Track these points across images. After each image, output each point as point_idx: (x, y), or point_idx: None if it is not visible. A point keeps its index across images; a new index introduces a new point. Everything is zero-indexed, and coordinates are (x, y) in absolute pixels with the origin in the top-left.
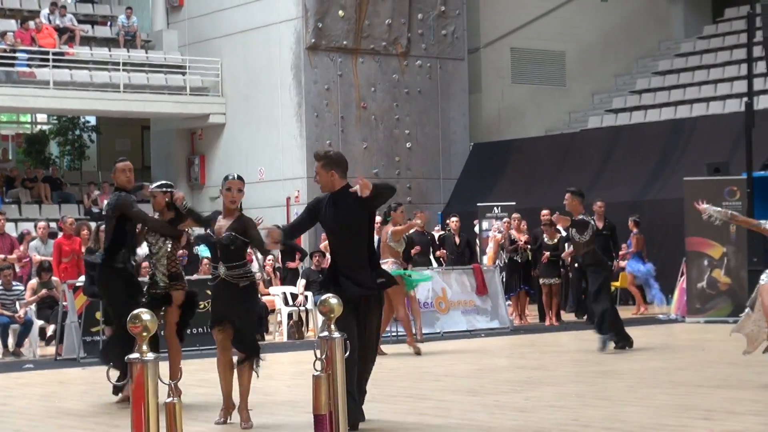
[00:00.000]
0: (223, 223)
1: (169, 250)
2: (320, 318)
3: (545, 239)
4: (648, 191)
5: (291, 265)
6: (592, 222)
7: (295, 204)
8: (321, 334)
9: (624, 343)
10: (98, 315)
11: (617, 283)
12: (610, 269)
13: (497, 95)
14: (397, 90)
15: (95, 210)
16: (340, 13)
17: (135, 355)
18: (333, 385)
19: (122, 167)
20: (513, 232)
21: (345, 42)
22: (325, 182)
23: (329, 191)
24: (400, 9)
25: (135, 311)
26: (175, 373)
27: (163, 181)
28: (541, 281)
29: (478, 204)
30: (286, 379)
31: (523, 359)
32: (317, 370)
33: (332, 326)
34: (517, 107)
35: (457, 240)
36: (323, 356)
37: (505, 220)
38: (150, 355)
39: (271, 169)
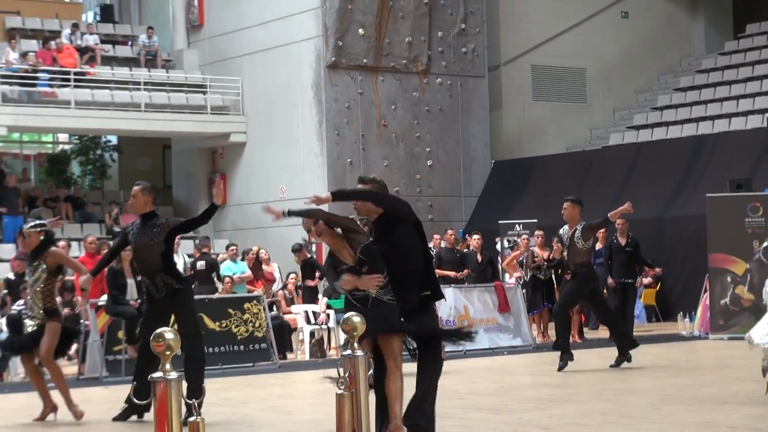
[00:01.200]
0: None
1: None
2: (342, 336)
3: None
4: (670, 208)
5: (310, 283)
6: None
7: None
8: (344, 353)
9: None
10: (120, 334)
11: (646, 300)
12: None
13: (518, 112)
14: (417, 108)
15: (117, 229)
16: (360, 31)
17: (158, 374)
18: (356, 403)
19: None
20: (536, 249)
21: (365, 60)
22: (368, 209)
23: (368, 216)
24: (420, 27)
25: (158, 331)
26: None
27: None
28: None
29: (500, 222)
30: (308, 397)
31: (546, 377)
32: (340, 389)
33: (355, 344)
34: (538, 124)
35: (480, 258)
36: (346, 375)
37: (524, 237)
38: (173, 374)
39: (291, 188)
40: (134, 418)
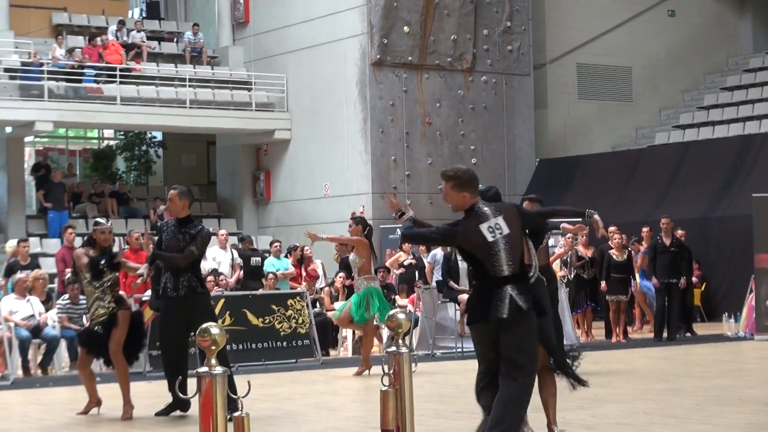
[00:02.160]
0: None
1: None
2: (386, 333)
3: (613, 256)
4: (716, 208)
5: (348, 282)
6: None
7: None
8: (389, 349)
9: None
10: None
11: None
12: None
13: (563, 111)
14: (462, 106)
15: (160, 223)
16: (406, 29)
17: (204, 369)
18: (401, 399)
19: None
20: (579, 248)
21: (410, 58)
22: (457, 203)
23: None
24: (466, 25)
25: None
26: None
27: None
28: (608, 298)
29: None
30: (351, 394)
31: (589, 376)
32: (385, 385)
33: (400, 341)
34: (583, 123)
35: None
36: (391, 371)
37: (568, 236)
38: (218, 369)
39: (336, 185)
40: (177, 412)
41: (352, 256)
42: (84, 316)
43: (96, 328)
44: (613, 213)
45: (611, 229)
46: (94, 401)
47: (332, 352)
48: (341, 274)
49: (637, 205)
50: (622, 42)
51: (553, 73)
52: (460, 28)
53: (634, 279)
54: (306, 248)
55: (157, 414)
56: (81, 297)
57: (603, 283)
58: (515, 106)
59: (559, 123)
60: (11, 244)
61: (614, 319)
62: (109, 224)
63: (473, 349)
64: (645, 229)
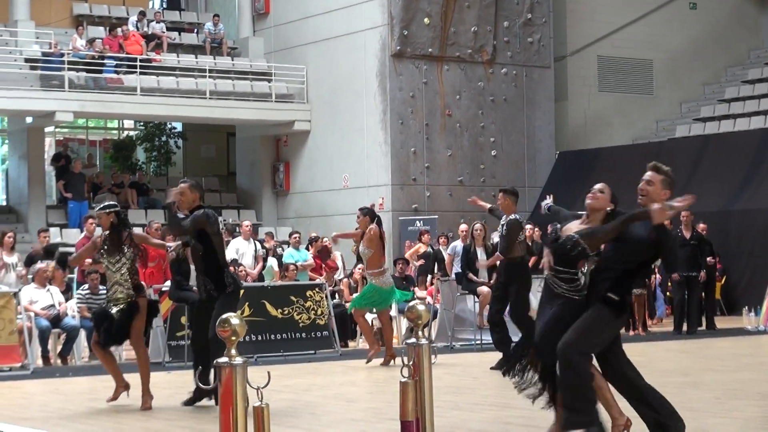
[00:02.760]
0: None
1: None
2: (404, 325)
3: None
4: (737, 201)
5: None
6: (523, 222)
7: (379, 211)
8: (408, 341)
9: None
10: (183, 320)
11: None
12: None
13: (583, 103)
14: (482, 98)
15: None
16: (426, 20)
17: (224, 360)
18: (420, 391)
19: None
20: None
21: (430, 49)
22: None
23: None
24: (486, 16)
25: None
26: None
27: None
28: None
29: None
30: (370, 385)
31: None
32: (404, 377)
33: (419, 332)
34: (603, 116)
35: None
36: (410, 363)
37: None
38: (238, 360)
39: (355, 176)
40: (204, 401)
41: (361, 248)
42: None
43: (112, 310)
44: (633, 206)
45: None
46: (122, 385)
47: (351, 344)
48: (360, 265)
49: None
50: (643, 34)
51: (573, 66)
52: (480, 19)
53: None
54: (325, 240)
55: (184, 403)
56: (101, 287)
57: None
58: (535, 98)
59: (580, 115)
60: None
61: (634, 312)
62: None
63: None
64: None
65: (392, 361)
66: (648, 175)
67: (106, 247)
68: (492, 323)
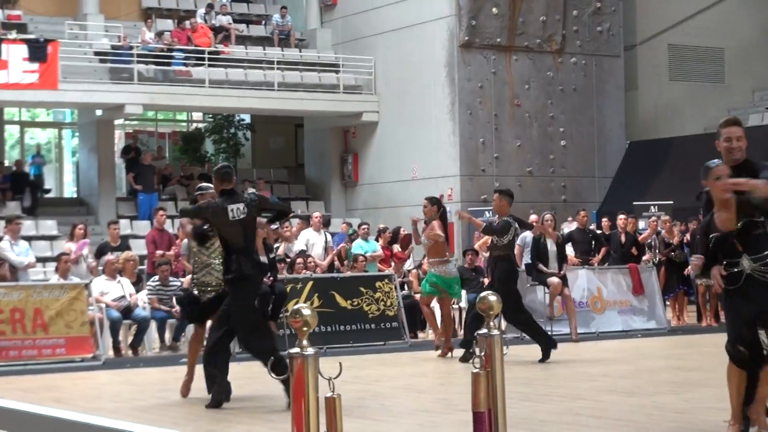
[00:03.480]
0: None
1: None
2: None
3: None
4: None
5: None
6: (515, 225)
7: (448, 202)
8: (480, 332)
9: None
10: None
11: None
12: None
13: (654, 93)
14: (551, 87)
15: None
16: (494, 10)
17: (295, 350)
18: (492, 382)
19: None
20: (664, 234)
21: (499, 39)
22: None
23: None
24: (555, 5)
25: (295, 306)
26: None
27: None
28: (698, 282)
29: (634, 203)
30: (439, 376)
31: (681, 360)
32: (476, 368)
33: (491, 323)
34: (674, 105)
35: (623, 239)
36: (482, 354)
37: (652, 218)
38: (310, 350)
39: (424, 167)
40: (267, 393)
41: (423, 238)
42: (174, 298)
43: (200, 296)
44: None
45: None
46: (191, 378)
47: (420, 335)
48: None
49: None
50: (715, 22)
51: (643, 54)
52: (549, 9)
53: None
54: (402, 229)
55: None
56: (171, 279)
57: (689, 267)
58: (605, 87)
59: (650, 105)
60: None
61: (704, 302)
62: (212, 191)
63: (562, 333)
64: None
65: (450, 353)
66: (735, 131)
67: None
68: (512, 323)
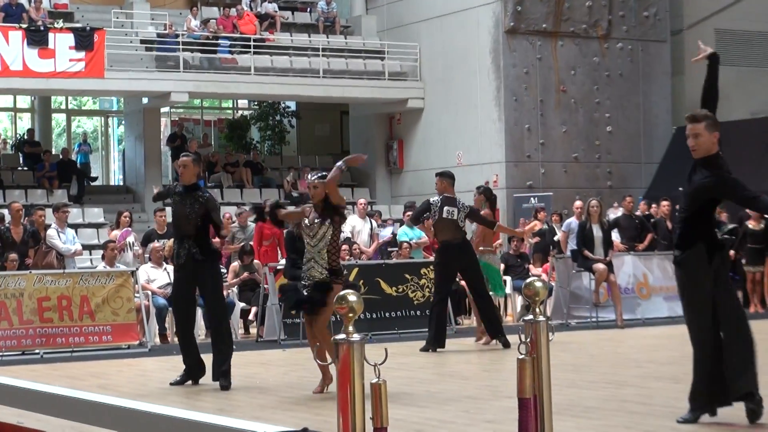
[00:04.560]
0: None
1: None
2: (518, 302)
3: (749, 225)
4: None
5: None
6: (434, 202)
7: (493, 188)
8: (526, 318)
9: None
10: None
11: None
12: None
13: (701, 78)
14: (597, 73)
15: (295, 194)
16: None
17: (341, 336)
18: (538, 368)
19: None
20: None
21: (544, 25)
22: (710, 146)
23: None
24: None
25: (341, 293)
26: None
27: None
28: (745, 268)
29: (680, 189)
30: (485, 363)
31: None
32: (522, 354)
33: (537, 309)
34: (721, 90)
35: (670, 225)
36: (528, 340)
37: None
38: (356, 337)
39: (469, 154)
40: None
41: (473, 226)
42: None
43: (304, 288)
44: (752, 181)
45: None
46: (329, 378)
47: (465, 321)
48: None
49: None
50: (763, 6)
51: (690, 39)
52: None
53: None
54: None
55: (172, 383)
56: None
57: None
58: (652, 73)
59: (697, 90)
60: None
61: (751, 289)
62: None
63: (608, 319)
64: None
65: (493, 340)
66: (690, 128)
67: (309, 219)
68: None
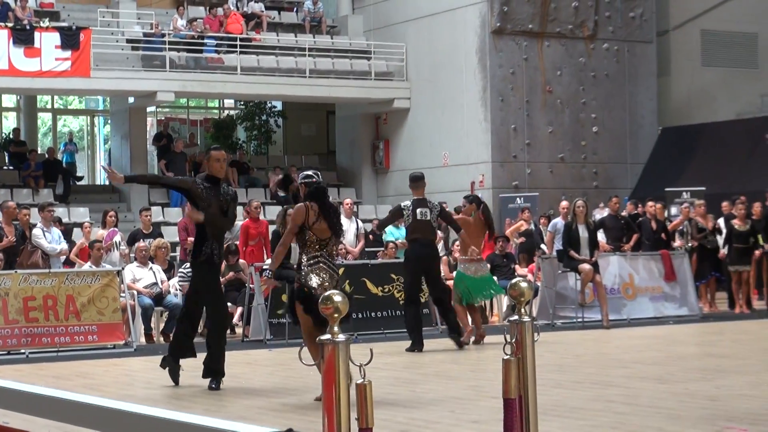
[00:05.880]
0: None
1: None
2: (504, 303)
3: (735, 226)
4: None
5: None
6: (405, 207)
7: (479, 189)
8: (511, 318)
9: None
10: (284, 297)
11: None
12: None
13: (686, 78)
14: (583, 73)
15: (281, 194)
16: None
17: (326, 337)
18: (523, 369)
19: (216, 156)
20: (698, 219)
21: (530, 25)
22: None
23: None
24: None
25: (327, 293)
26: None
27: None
28: (731, 268)
29: (666, 189)
30: (471, 363)
31: (713, 347)
32: (507, 354)
33: (522, 310)
34: (707, 90)
35: (654, 225)
36: (513, 340)
37: (685, 205)
38: (341, 337)
39: (455, 154)
40: (299, 378)
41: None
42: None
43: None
44: (737, 182)
45: (741, 198)
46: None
47: None
48: (458, 242)
49: (761, 174)
50: (748, 7)
51: (676, 40)
52: None
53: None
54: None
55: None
56: None
57: (722, 252)
58: (637, 73)
59: (683, 90)
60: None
61: (736, 289)
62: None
63: (593, 319)
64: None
65: (482, 340)
66: None
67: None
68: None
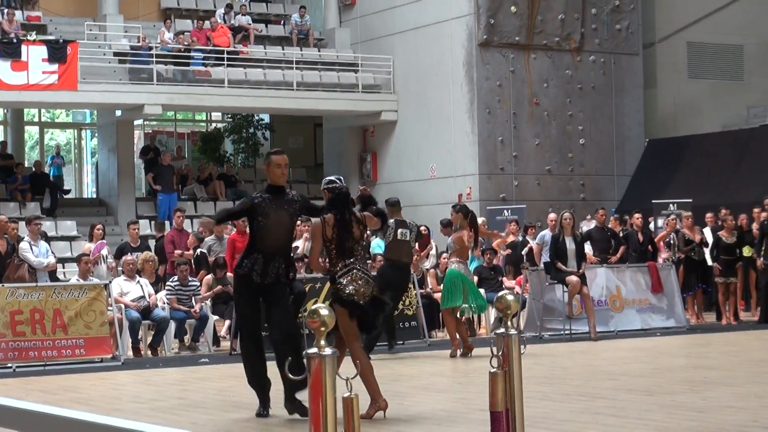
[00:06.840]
0: None
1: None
2: (492, 315)
3: (722, 238)
4: None
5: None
6: (414, 224)
7: (467, 201)
8: (498, 331)
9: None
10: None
11: None
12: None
13: (673, 90)
14: (570, 86)
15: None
16: (513, 8)
17: (313, 350)
18: (510, 381)
19: (277, 161)
20: (685, 231)
21: (517, 38)
22: None
23: None
24: (573, 4)
25: (313, 307)
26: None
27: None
28: (717, 280)
29: (653, 201)
30: (459, 376)
31: (700, 359)
32: (494, 367)
33: (509, 322)
34: (693, 103)
35: (641, 237)
36: (500, 353)
37: (672, 217)
38: (328, 351)
39: (442, 166)
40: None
41: (449, 241)
42: (194, 298)
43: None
44: (723, 194)
45: (724, 210)
46: (383, 403)
47: (439, 334)
48: (445, 254)
49: (748, 186)
50: (734, 20)
51: (662, 52)
52: (567, 7)
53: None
54: (422, 227)
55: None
56: (190, 278)
57: (716, 266)
58: (624, 85)
59: (669, 102)
60: None
61: (723, 301)
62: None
63: (581, 331)
64: (756, 210)
65: (469, 353)
66: None
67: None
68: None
